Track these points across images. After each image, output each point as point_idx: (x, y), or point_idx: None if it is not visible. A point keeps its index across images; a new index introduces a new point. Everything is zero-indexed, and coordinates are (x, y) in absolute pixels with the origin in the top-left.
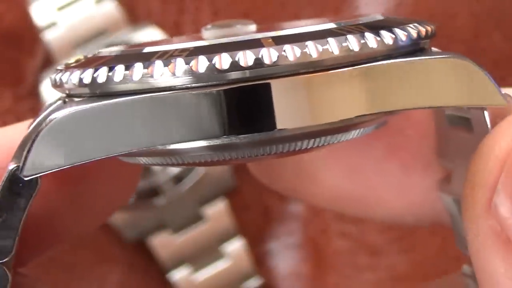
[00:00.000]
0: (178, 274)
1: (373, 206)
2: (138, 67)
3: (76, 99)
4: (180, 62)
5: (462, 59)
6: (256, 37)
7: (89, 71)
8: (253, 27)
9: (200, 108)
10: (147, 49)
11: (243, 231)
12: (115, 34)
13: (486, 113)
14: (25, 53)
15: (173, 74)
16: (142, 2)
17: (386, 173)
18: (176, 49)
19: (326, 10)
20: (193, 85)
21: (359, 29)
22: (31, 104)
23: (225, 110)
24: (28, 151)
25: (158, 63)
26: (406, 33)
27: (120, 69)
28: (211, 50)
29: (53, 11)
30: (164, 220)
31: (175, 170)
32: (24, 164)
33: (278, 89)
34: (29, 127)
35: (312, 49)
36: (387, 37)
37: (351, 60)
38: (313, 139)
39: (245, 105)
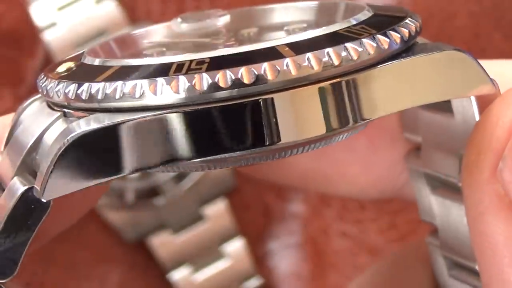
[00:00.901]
0: (178, 274)
1: (337, 182)
2: (142, 84)
3: (78, 113)
4: (182, 80)
5: (448, 49)
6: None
7: (86, 86)
8: (226, 17)
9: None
10: (147, 61)
11: (243, 231)
12: (115, 34)
13: (473, 98)
14: (25, 53)
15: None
16: (142, 2)
17: (353, 150)
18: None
19: None
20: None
21: (355, 36)
22: None
23: (235, 127)
24: (48, 174)
25: (160, 80)
26: (399, 35)
27: (120, 86)
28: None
29: (53, 11)
30: (164, 220)
31: None
32: (44, 188)
33: (280, 103)
34: (13, 121)
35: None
36: (368, 47)
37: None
38: (306, 146)
39: (253, 121)
